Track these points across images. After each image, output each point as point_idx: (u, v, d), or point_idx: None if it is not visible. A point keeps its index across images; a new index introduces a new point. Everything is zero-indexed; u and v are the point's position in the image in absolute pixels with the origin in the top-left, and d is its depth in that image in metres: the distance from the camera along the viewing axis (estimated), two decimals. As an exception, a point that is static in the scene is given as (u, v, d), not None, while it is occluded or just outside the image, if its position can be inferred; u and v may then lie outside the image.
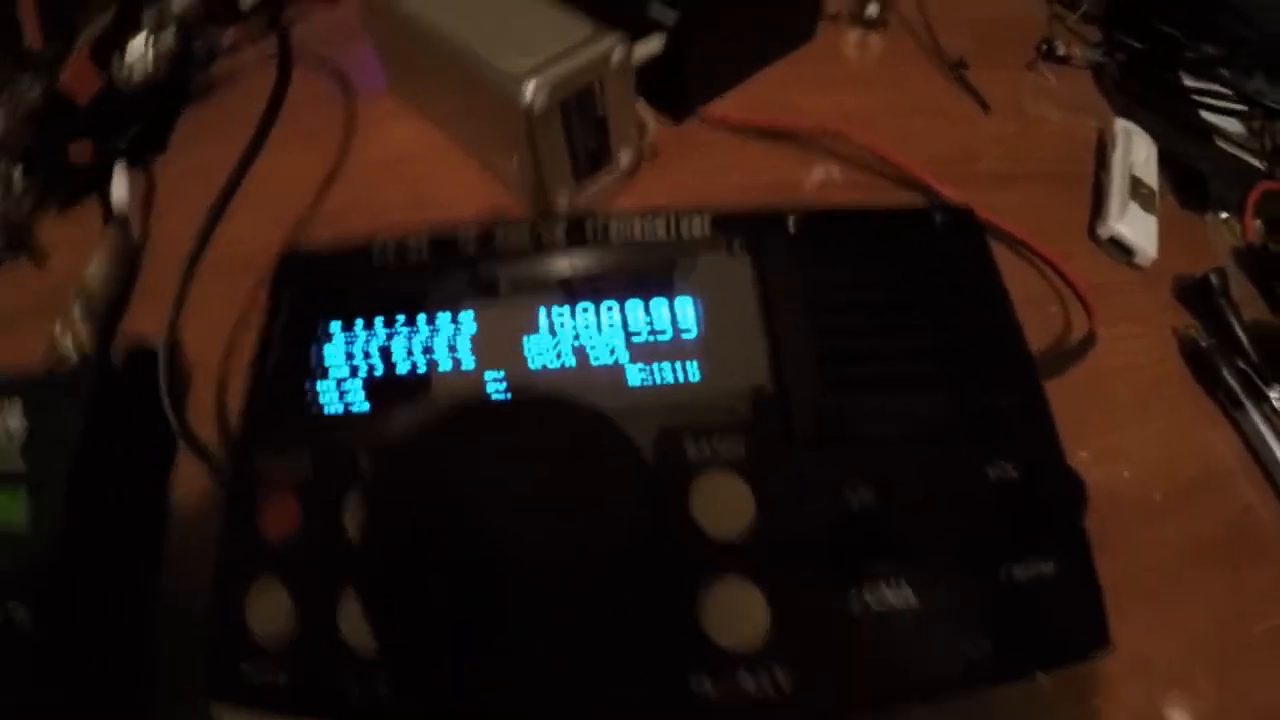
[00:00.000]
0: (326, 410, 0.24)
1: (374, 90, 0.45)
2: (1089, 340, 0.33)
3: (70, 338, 0.32)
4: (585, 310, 0.24)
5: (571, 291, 0.24)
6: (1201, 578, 0.31)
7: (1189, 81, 0.48)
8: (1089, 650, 0.21)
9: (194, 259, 0.32)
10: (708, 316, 0.24)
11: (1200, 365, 0.36)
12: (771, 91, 0.45)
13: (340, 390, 0.24)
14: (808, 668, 0.19)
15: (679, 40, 0.36)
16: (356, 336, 0.24)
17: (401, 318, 0.24)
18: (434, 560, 0.15)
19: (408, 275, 0.25)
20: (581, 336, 0.24)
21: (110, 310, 0.36)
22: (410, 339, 0.24)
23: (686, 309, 0.24)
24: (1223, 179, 0.42)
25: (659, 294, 0.24)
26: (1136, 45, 0.49)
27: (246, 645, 0.21)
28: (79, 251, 0.37)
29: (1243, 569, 0.31)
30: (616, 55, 0.31)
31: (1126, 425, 0.34)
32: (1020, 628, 0.20)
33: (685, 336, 0.23)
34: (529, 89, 0.29)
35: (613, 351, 0.23)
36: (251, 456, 0.23)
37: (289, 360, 0.25)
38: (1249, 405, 0.34)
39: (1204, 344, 0.36)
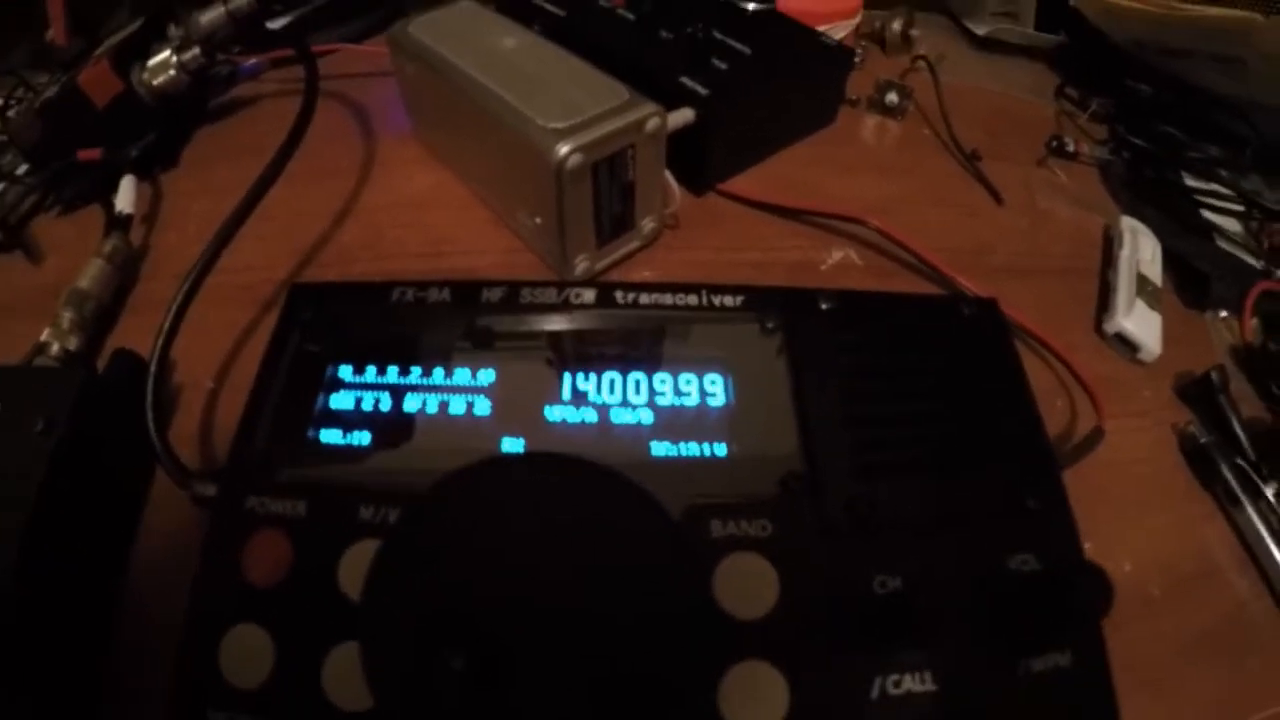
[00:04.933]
0: (329, 456, 0.23)
1: (397, 133, 0.45)
2: (1096, 435, 0.34)
3: (57, 344, 0.31)
4: (611, 379, 0.24)
5: (598, 358, 0.25)
6: (1197, 671, 0.31)
7: (1190, 181, 0.50)
8: None
9: (201, 272, 0.30)
10: (738, 392, 0.24)
11: (1199, 461, 0.36)
12: (791, 171, 0.46)
13: (346, 437, 0.24)
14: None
15: (707, 114, 0.38)
16: (367, 380, 0.24)
17: (417, 368, 0.24)
18: (450, 632, 0.15)
19: (427, 322, 0.25)
20: (606, 403, 0.24)
21: (101, 319, 0.35)
22: (425, 390, 0.24)
23: (716, 384, 0.24)
24: (1223, 278, 0.44)
25: (688, 368, 0.25)
26: (1141, 144, 0.51)
27: (218, 690, 0.20)
28: (76, 255, 0.37)
29: (1237, 662, 0.31)
30: (652, 123, 0.32)
31: (1128, 519, 0.34)
32: (1034, 710, 0.21)
33: (713, 412, 0.24)
34: (565, 148, 0.29)
35: (638, 421, 0.24)
36: (243, 495, 0.22)
37: (293, 396, 0.24)
38: (1245, 502, 0.35)
39: (1203, 440, 0.36)
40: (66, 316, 0.32)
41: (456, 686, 0.15)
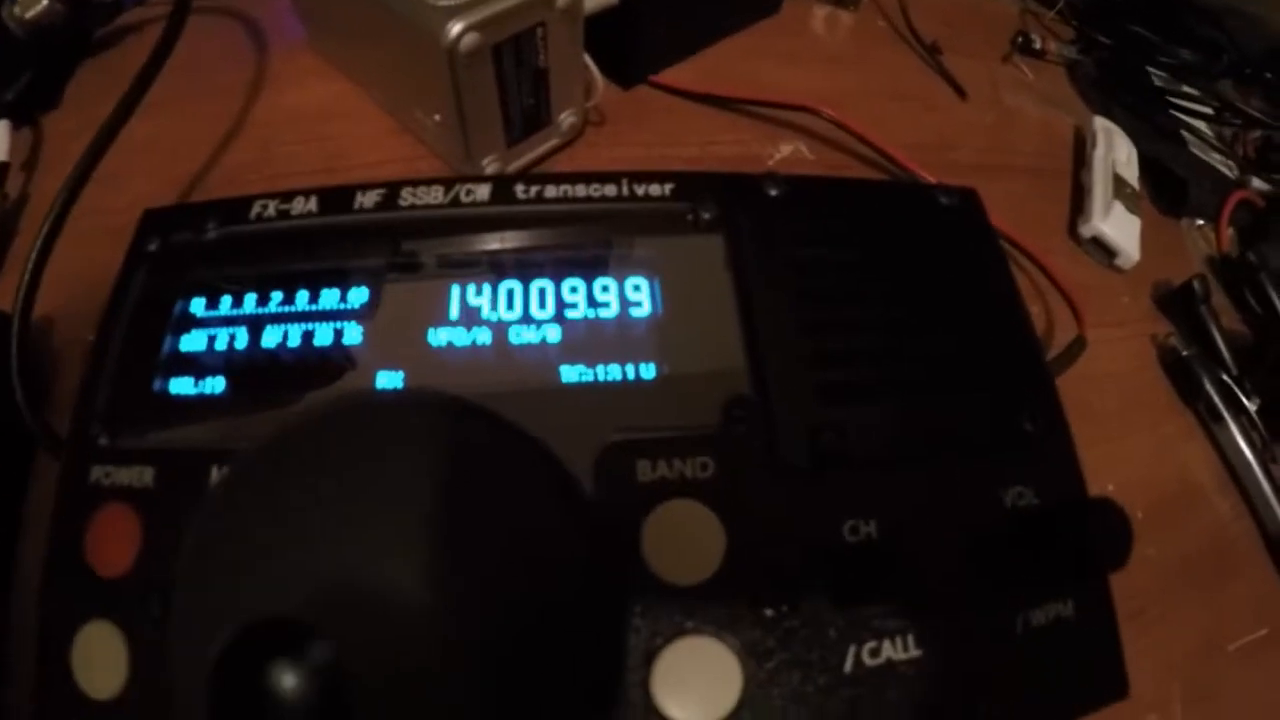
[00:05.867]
0: (179, 410, 0.18)
1: (290, 45, 0.40)
2: (1078, 344, 0.31)
3: None
4: (510, 290, 0.19)
5: (494, 266, 0.20)
6: (1179, 598, 0.30)
7: (1161, 84, 0.47)
8: (1105, 700, 0.18)
9: (60, 215, 0.25)
10: (668, 300, 0.19)
11: (1180, 375, 0.34)
12: (731, 62, 0.41)
13: (198, 385, 0.19)
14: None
15: (634, -8, 0.32)
16: (221, 314, 0.19)
17: (278, 294, 0.19)
18: (282, 644, 0.10)
19: (291, 239, 0.20)
20: (503, 320, 0.19)
21: None
22: (287, 319, 0.19)
23: (641, 290, 0.19)
24: (1200, 185, 0.41)
25: (605, 272, 0.20)
26: (1111, 43, 0.48)
27: (72, 703, 0.16)
28: None
29: (1217, 587, 0.31)
30: None
31: (1110, 438, 0.32)
32: (1033, 678, 0.17)
33: (637, 325, 0.19)
34: (457, 27, 0.24)
35: (542, 340, 0.19)
36: (86, 466, 0.18)
37: (138, 342, 0.20)
38: (1229, 418, 0.33)
39: (1185, 353, 0.34)
40: None
41: (295, 704, 0.10)
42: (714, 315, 0.19)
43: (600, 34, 0.31)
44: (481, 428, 0.13)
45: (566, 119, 0.32)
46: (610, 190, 0.21)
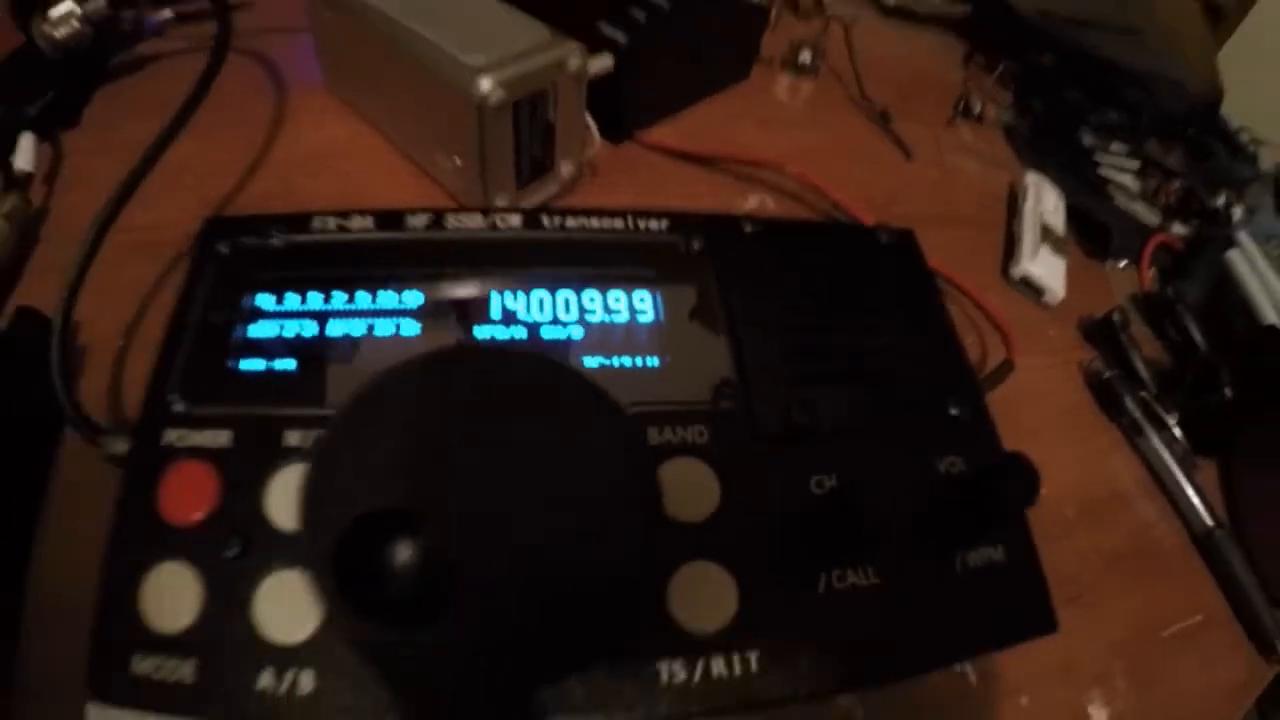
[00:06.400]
0: (252, 384, 0.21)
1: (309, 86, 0.43)
2: (1006, 367, 0.35)
3: None
4: (540, 298, 0.23)
5: (527, 279, 0.24)
6: (1115, 587, 0.33)
7: (1088, 143, 0.53)
8: (1037, 631, 0.22)
9: (104, 225, 0.28)
10: (667, 310, 0.24)
11: (1104, 394, 0.39)
12: (707, 123, 0.46)
13: (269, 364, 0.22)
14: (775, 644, 0.18)
15: (624, 62, 0.37)
16: (288, 309, 0.22)
17: (341, 294, 0.23)
18: (394, 528, 0.14)
19: (350, 249, 0.24)
20: (536, 321, 0.23)
21: (2, 280, 0.31)
22: (351, 314, 0.22)
23: (645, 301, 0.24)
24: (1122, 231, 0.47)
25: (617, 286, 0.24)
26: (1045, 108, 0.54)
27: (141, 635, 0.18)
28: None
29: (1149, 579, 0.34)
30: (574, 62, 0.32)
31: (1041, 448, 0.34)
32: (974, 609, 0.21)
33: (643, 328, 0.23)
34: (487, 83, 0.28)
35: (568, 337, 0.23)
36: (159, 430, 0.20)
37: (211, 329, 0.22)
38: (1150, 432, 0.37)
39: (1107, 375, 0.38)
40: None
41: (404, 583, 0.13)
42: (704, 321, 0.24)
43: (596, 96, 0.36)
44: (571, 377, 0.16)
45: (567, 168, 0.36)
46: (618, 224, 0.26)
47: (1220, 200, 0.50)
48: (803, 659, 0.18)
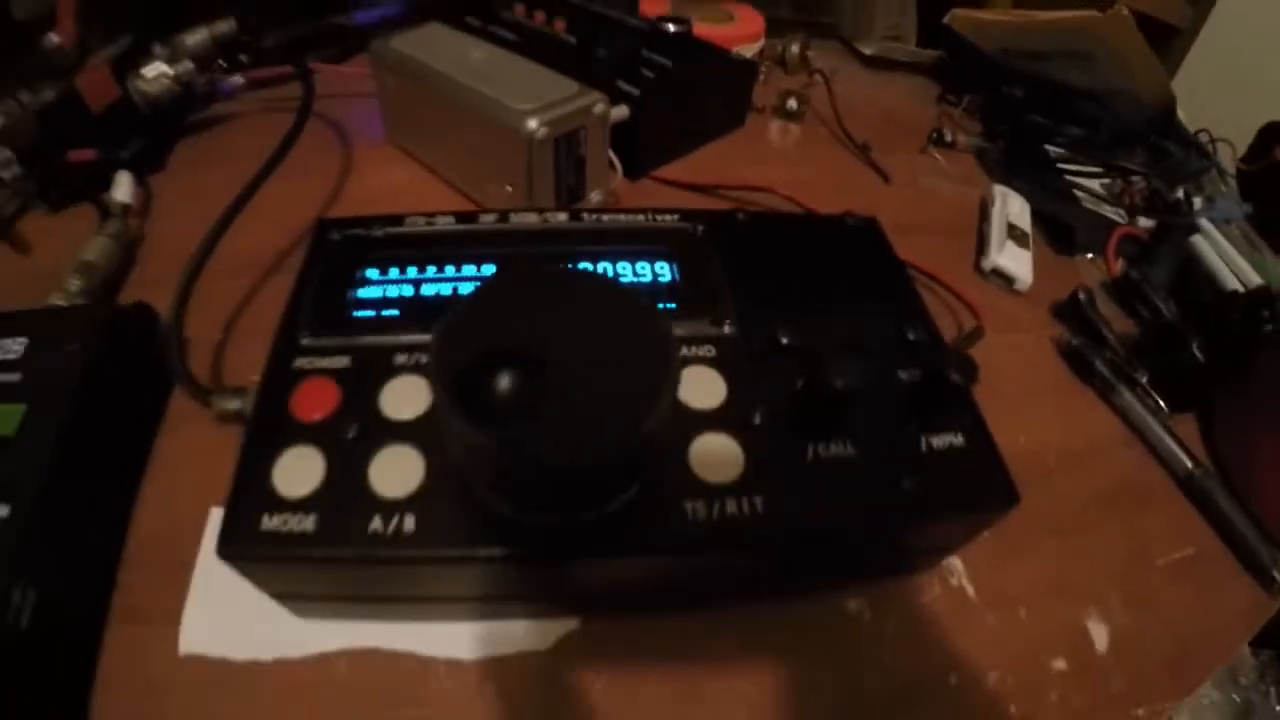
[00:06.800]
0: (365, 326, 0.27)
1: (372, 141, 0.51)
2: (977, 332, 0.41)
3: (65, 305, 0.34)
4: (585, 267, 0.30)
5: (573, 256, 0.30)
6: (1102, 520, 0.36)
7: (1054, 155, 0.59)
8: (1001, 504, 0.26)
9: (219, 230, 0.34)
10: (681, 274, 0.30)
11: (1076, 361, 0.43)
12: (709, 162, 0.54)
13: (378, 313, 0.28)
14: (776, 494, 0.23)
15: (638, 111, 0.45)
16: (390, 278, 0.29)
17: (432, 267, 0.29)
18: (501, 360, 0.19)
19: (436, 237, 0.31)
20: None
21: (105, 291, 0.37)
22: (439, 281, 0.29)
23: (663, 268, 0.30)
24: (1087, 229, 0.52)
25: (643, 259, 0.31)
26: (1012, 133, 0.60)
27: (270, 501, 0.22)
28: (65, 247, 0.39)
29: (1138, 515, 0.36)
30: (599, 108, 0.40)
31: (1019, 408, 0.39)
32: (940, 479, 0.25)
33: (663, 285, 0.30)
34: (534, 122, 0.36)
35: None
36: (290, 358, 0.26)
37: (328, 291, 0.29)
38: (1122, 388, 0.41)
39: (1075, 342, 0.43)
40: (75, 283, 0.35)
41: (505, 398, 0.19)
42: (708, 279, 0.30)
43: (616, 141, 0.44)
44: (624, 289, 0.22)
45: (595, 195, 0.44)
46: (640, 218, 0.33)
47: (1180, 193, 0.55)
48: (798, 505, 0.24)
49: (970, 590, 0.32)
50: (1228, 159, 0.61)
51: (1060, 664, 0.30)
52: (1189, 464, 0.38)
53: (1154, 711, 0.30)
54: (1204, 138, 0.61)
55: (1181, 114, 0.63)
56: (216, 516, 0.29)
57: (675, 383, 0.20)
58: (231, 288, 0.39)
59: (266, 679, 0.26)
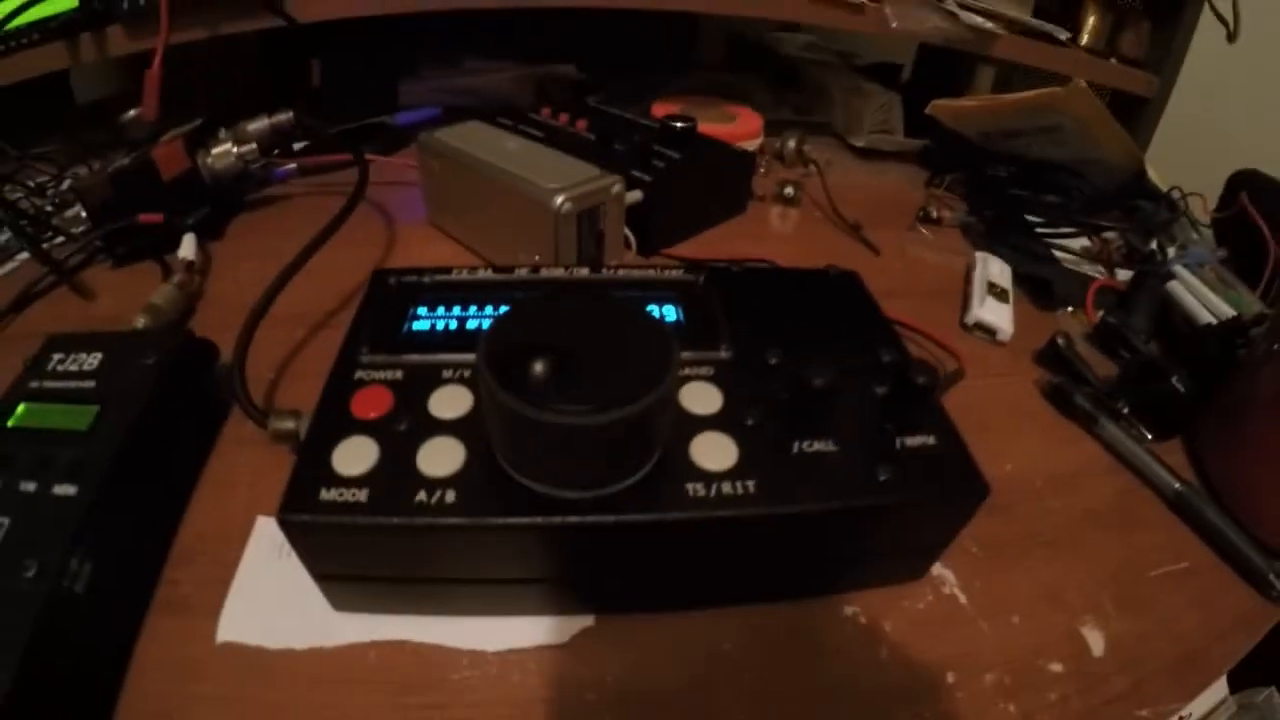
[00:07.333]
0: (417, 348, 0.32)
1: (414, 221, 0.58)
2: (958, 373, 0.45)
3: None
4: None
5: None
6: (1093, 536, 0.37)
7: (1034, 222, 0.64)
8: (973, 495, 0.29)
9: (282, 282, 0.40)
10: (687, 316, 0.35)
11: (1058, 399, 0.46)
12: (715, 241, 0.60)
13: (428, 339, 0.33)
14: (765, 478, 0.27)
15: (650, 195, 0.52)
16: (439, 315, 0.34)
17: (474, 307, 0.35)
18: (535, 352, 0.24)
19: (478, 285, 0.36)
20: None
21: None
22: (481, 318, 0.34)
23: (669, 311, 0.35)
24: (1065, 283, 0.56)
25: (653, 303, 0.36)
26: (994, 207, 0.66)
27: (329, 478, 0.26)
28: (128, 298, 0.44)
29: (1129, 532, 0.38)
30: (616, 188, 0.47)
31: (1005, 439, 0.42)
32: (913, 472, 0.29)
33: (669, 322, 0.35)
34: (560, 198, 0.43)
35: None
36: (351, 370, 0.31)
37: (384, 323, 0.34)
38: (1104, 419, 0.43)
39: (1057, 381, 0.46)
40: (142, 320, 0.41)
41: (540, 379, 0.23)
42: (708, 317, 0.35)
43: (632, 223, 0.50)
44: (638, 309, 0.27)
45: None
46: (651, 271, 0.38)
47: (1154, 244, 0.59)
48: (785, 486, 0.27)
49: (963, 598, 0.34)
50: (1200, 210, 0.64)
51: (1057, 667, 0.31)
52: (1175, 484, 0.39)
53: (1159, 713, 0.30)
54: (1176, 194, 0.65)
55: (1155, 175, 0.67)
56: (263, 524, 0.34)
57: (679, 366, 0.25)
58: (283, 336, 0.44)
59: (298, 666, 0.29)
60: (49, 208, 0.57)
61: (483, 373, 0.24)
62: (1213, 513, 0.38)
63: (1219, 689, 0.32)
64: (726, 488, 0.27)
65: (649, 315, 0.27)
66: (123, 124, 0.53)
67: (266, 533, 0.33)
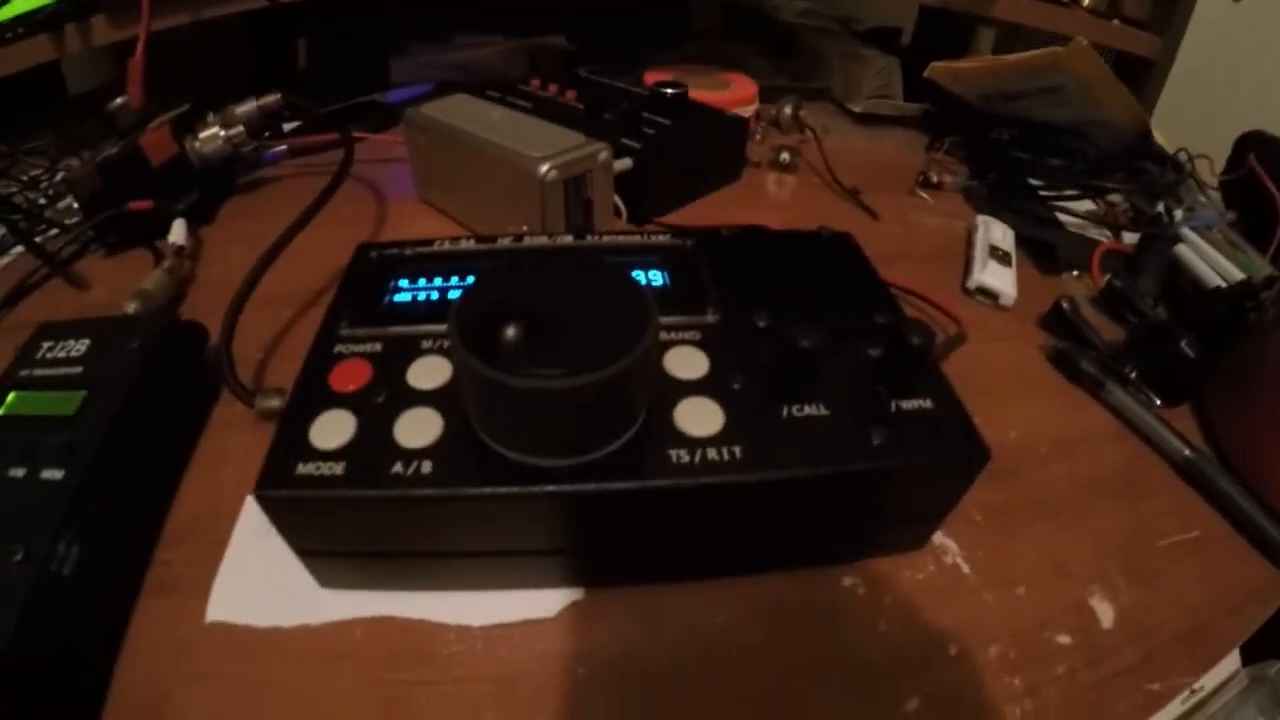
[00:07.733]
0: (396, 319, 0.32)
1: (403, 196, 0.58)
2: (959, 337, 0.43)
3: None
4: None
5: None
6: (1099, 504, 0.36)
7: (1037, 185, 0.63)
8: (974, 460, 0.28)
9: (266, 262, 0.39)
10: (673, 279, 0.34)
11: (1064, 364, 0.44)
12: (709, 209, 0.59)
13: (408, 310, 0.32)
14: (753, 443, 0.26)
15: (640, 163, 0.50)
16: (419, 286, 0.33)
17: (455, 278, 0.34)
18: (507, 316, 0.23)
19: (460, 255, 0.35)
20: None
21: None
22: (462, 288, 0.33)
23: (655, 276, 0.34)
24: (1069, 247, 0.55)
25: (640, 267, 0.35)
26: (997, 170, 0.64)
27: (306, 452, 0.26)
28: (121, 286, 0.43)
29: (1137, 500, 0.37)
30: (603, 155, 0.45)
31: (1009, 404, 0.41)
32: (909, 437, 0.28)
33: (657, 289, 0.34)
34: (546, 166, 0.42)
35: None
36: (331, 344, 0.30)
37: (365, 295, 0.33)
38: (1111, 384, 0.42)
39: (1061, 346, 0.45)
40: (132, 305, 0.41)
41: (511, 344, 0.23)
42: (696, 281, 0.34)
43: (624, 191, 0.49)
44: (621, 272, 0.26)
45: (602, 236, 0.49)
46: (637, 237, 0.37)
47: (1160, 207, 0.58)
48: (773, 452, 0.26)
49: (966, 569, 0.33)
50: (1208, 172, 0.63)
51: (1064, 639, 0.31)
52: (1185, 451, 0.38)
53: (1170, 686, 0.30)
54: (1182, 156, 0.63)
55: (1161, 137, 0.65)
56: (251, 503, 0.33)
57: (657, 330, 0.24)
58: (271, 317, 0.44)
59: (285, 644, 0.29)
60: (42, 200, 0.57)
61: (454, 337, 0.23)
62: (1224, 480, 0.37)
63: (1231, 662, 0.31)
64: (712, 454, 0.26)
65: (627, 279, 0.25)
66: (110, 113, 0.53)
67: (254, 512, 0.33)
